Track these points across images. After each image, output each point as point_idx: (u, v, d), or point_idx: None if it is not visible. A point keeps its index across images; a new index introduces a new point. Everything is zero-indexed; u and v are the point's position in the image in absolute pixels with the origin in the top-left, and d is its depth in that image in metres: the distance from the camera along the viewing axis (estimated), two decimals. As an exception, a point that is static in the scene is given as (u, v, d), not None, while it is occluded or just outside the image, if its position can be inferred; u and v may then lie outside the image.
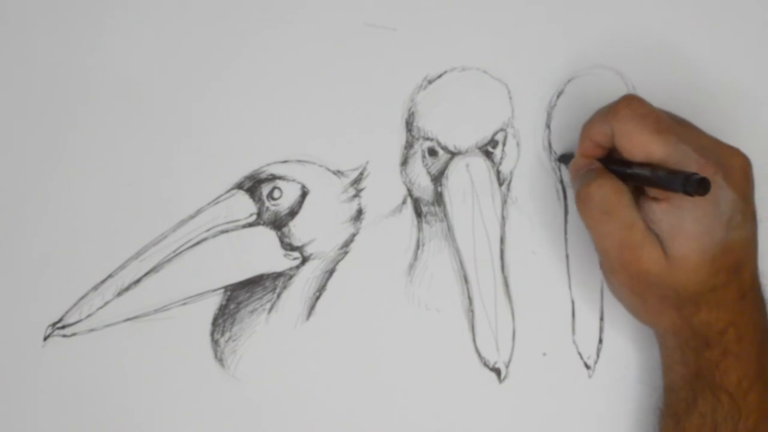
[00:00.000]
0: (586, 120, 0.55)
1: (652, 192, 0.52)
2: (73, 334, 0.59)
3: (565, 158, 0.60)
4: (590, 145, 0.55)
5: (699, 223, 0.51)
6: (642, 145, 0.52)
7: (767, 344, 0.54)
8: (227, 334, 0.59)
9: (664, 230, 0.52)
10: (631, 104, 0.53)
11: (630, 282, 0.53)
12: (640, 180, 0.52)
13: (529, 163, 0.61)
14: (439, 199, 0.60)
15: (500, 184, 0.60)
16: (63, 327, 0.59)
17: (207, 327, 0.59)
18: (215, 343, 0.59)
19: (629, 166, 0.53)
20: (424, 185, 0.60)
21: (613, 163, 0.55)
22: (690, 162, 0.51)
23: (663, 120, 0.52)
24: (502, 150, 0.61)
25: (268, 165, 0.60)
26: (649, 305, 0.54)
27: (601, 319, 0.60)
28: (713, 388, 0.53)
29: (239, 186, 0.60)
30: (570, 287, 0.61)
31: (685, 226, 0.51)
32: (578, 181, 0.55)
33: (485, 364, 0.60)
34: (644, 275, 0.52)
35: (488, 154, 0.61)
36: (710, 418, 0.53)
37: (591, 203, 0.53)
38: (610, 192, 0.53)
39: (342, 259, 0.60)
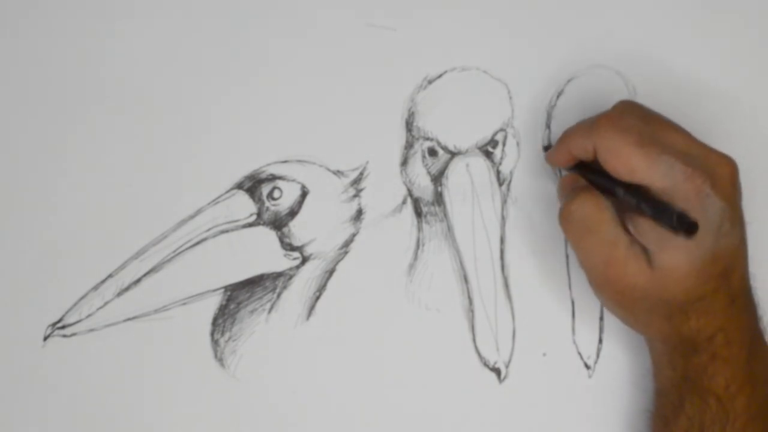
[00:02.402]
0: (567, 129, 0.55)
1: None
2: (73, 334, 0.59)
3: (548, 149, 0.60)
4: (565, 155, 0.55)
5: None
6: (624, 160, 0.51)
7: (756, 348, 0.54)
8: (227, 334, 0.59)
9: (651, 242, 0.51)
10: (611, 119, 0.53)
11: (617, 297, 0.53)
12: (628, 205, 0.52)
13: (529, 163, 0.61)
14: (439, 199, 0.60)
15: (500, 184, 0.60)
16: (63, 327, 0.59)
17: (207, 327, 0.59)
18: (215, 343, 0.59)
19: (616, 186, 0.52)
20: (424, 185, 0.60)
21: (599, 177, 0.54)
22: (676, 173, 0.51)
23: (644, 133, 0.52)
24: (502, 150, 0.61)
25: (268, 165, 0.60)
26: (638, 317, 0.54)
27: (601, 319, 0.60)
28: (701, 392, 0.53)
29: (239, 186, 0.60)
30: (570, 287, 0.61)
31: (673, 238, 0.51)
32: (561, 200, 0.55)
33: (485, 364, 0.60)
34: (630, 290, 0.52)
35: (488, 154, 0.61)
36: (698, 422, 0.53)
37: (573, 221, 0.53)
38: (591, 209, 0.53)
39: (342, 259, 0.60)
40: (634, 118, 0.53)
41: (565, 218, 0.54)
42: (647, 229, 0.52)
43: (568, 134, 0.55)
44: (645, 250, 0.52)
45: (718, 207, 0.51)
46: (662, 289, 0.52)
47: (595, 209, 0.53)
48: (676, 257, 0.51)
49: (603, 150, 0.52)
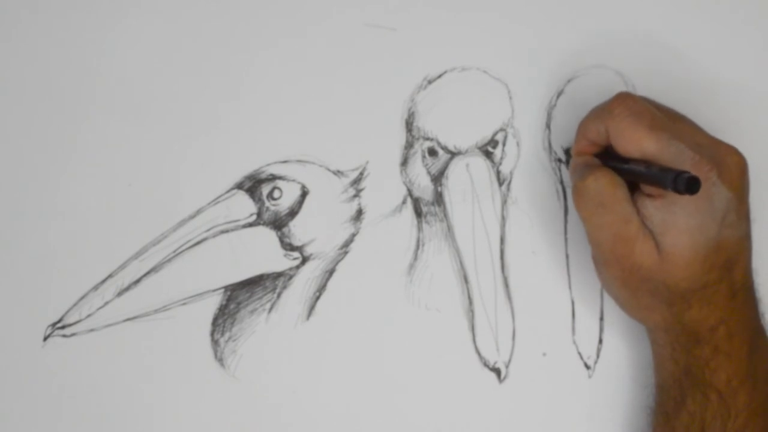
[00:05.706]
0: (582, 118, 0.56)
1: (647, 189, 0.53)
2: (73, 334, 0.59)
3: (569, 155, 0.60)
4: (585, 143, 0.55)
5: (691, 219, 0.51)
6: (636, 142, 0.52)
7: (757, 343, 0.54)
8: (227, 334, 0.59)
9: (656, 225, 0.52)
10: (625, 102, 0.53)
11: (622, 275, 0.53)
12: (634, 176, 0.53)
13: (529, 163, 0.61)
14: (439, 199, 0.60)
15: (500, 184, 0.60)
16: (63, 327, 0.59)
17: (207, 327, 0.59)
18: (215, 343, 0.59)
19: (625, 162, 0.53)
20: (424, 185, 0.60)
21: (609, 159, 0.55)
22: (684, 159, 0.51)
23: (657, 117, 0.52)
24: (502, 150, 0.61)
25: (268, 165, 0.60)
26: (640, 300, 0.54)
27: (601, 319, 0.60)
28: (703, 387, 0.53)
29: (239, 186, 0.60)
30: (570, 287, 0.61)
31: (677, 222, 0.51)
32: (575, 176, 0.55)
33: (485, 364, 0.60)
34: (636, 269, 0.52)
35: (488, 154, 0.61)
36: (699, 417, 0.53)
37: (587, 195, 0.53)
38: (606, 185, 0.53)
39: (342, 259, 0.60)
40: (647, 103, 0.53)
41: (579, 193, 0.54)
42: (653, 212, 0.52)
43: (583, 121, 0.56)
44: (653, 234, 0.52)
45: (725, 196, 0.51)
46: (666, 273, 0.52)
47: (610, 185, 0.53)
48: (680, 241, 0.51)
49: (615, 132, 0.53)
